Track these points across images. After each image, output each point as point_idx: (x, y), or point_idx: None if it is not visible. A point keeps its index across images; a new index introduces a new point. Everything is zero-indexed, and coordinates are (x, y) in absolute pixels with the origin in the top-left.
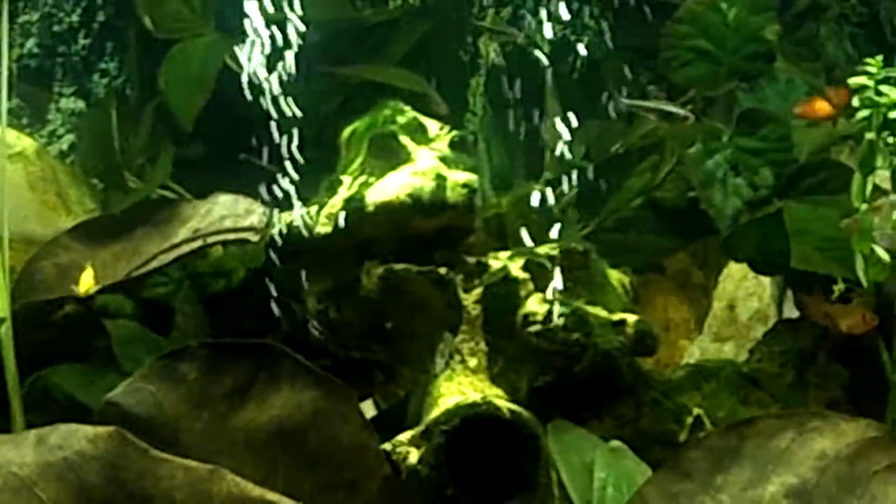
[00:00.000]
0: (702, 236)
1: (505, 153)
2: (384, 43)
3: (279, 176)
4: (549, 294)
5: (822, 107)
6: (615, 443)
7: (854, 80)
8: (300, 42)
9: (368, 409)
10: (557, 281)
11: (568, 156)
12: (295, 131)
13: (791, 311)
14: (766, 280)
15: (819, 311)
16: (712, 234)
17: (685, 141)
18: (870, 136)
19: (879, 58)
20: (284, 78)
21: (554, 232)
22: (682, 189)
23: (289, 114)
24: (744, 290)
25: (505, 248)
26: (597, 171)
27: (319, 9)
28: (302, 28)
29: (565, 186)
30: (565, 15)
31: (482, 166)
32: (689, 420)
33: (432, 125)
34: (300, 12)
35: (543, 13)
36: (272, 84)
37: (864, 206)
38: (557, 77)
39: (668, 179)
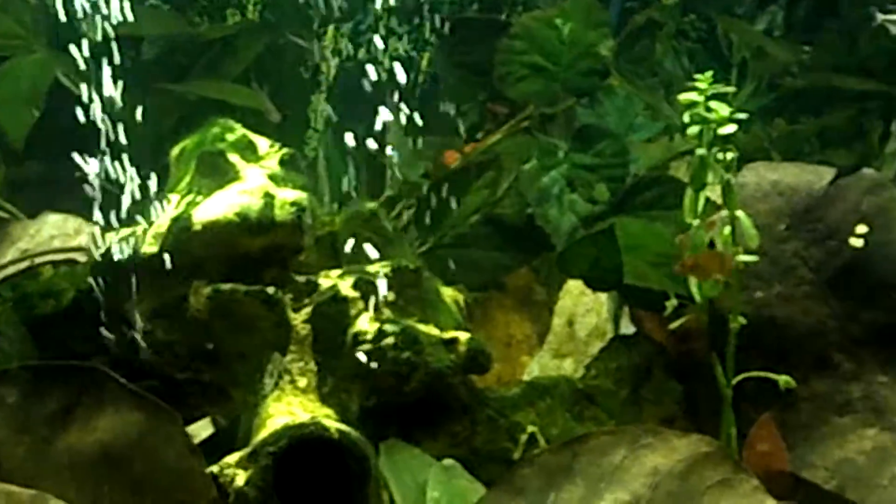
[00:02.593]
0: (541, 253)
1: (345, 170)
2: (222, 59)
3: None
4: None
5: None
6: (448, 461)
7: (684, 97)
8: (136, 58)
9: (207, 430)
10: (382, 293)
11: (408, 173)
12: (132, 149)
13: (629, 327)
14: (604, 296)
15: (655, 326)
16: (551, 251)
17: (521, 157)
18: (700, 151)
19: (709, 74)
20: (121, 95)
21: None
22: (522, 205)
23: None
24: (582, 306)
25: (338, 267)
26: (436, 188)
27: (155, 25)
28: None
29: (404, 203)
30: (404, 31)
31: (321, 184)
32: (524, 437)
33: (262, 143)
34: (136, 29)
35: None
36: (108, 101)
37: (696, 222)
38: (399, 93)
39: (508, 196)
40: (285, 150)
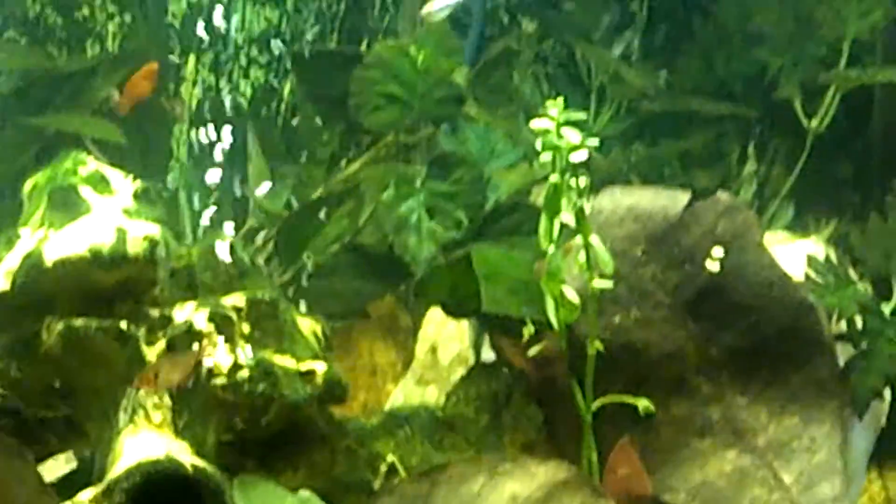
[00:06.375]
0: (403, 280)
1: (205, 202)
2: (81, 91)
3: None
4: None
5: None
6: (304, 493)
7: (536, 125)
8: None
9: (69, 466)
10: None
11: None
12: None
13: (491, 354)
14: (466, 323)
15: (515, 353)
16: (411, 279)
17: (381, 186)
18: (554, 178)
19: (560, 99)
20: None
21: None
22: (383, 234)
23: None
24: (445, 333)
25: (194, 299)
26: (297, 218)
27: (12, 58)
28: None
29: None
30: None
31: (181, 216)
32: (384, 467)
33: (116, 176)
34: None
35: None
36: None
37: (552, 248)
38: (259, 125)
39: (369, 224)
40: (139, 183)
